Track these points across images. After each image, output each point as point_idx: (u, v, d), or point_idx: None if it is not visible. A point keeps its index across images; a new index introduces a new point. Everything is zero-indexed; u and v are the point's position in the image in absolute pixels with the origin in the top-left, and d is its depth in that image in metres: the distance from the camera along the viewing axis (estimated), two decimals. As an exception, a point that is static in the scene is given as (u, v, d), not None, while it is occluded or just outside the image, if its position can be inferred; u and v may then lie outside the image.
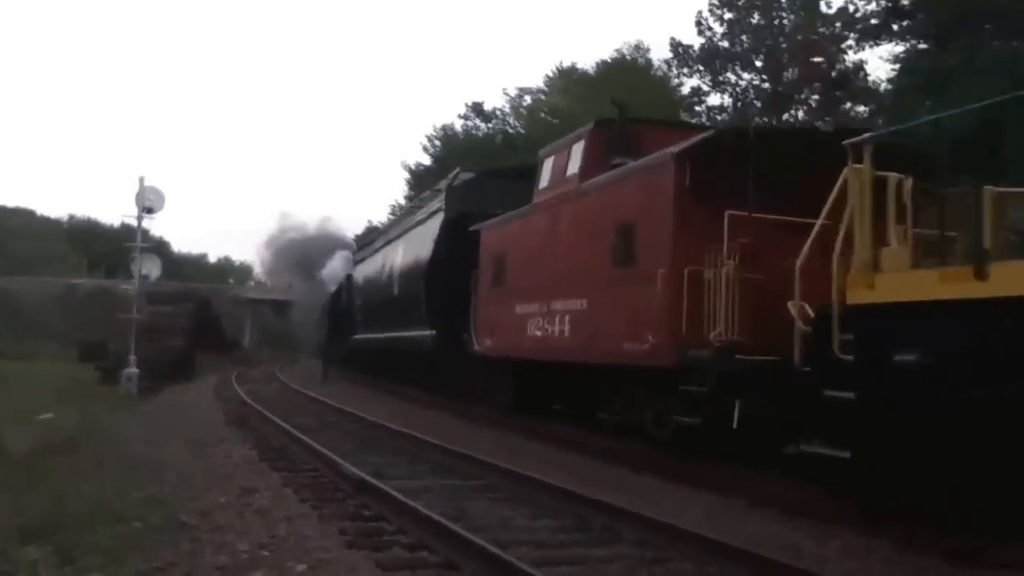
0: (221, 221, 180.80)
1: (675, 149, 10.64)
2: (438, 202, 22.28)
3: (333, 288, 42.64)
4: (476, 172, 22.86)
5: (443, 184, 24.02)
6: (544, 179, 14.74)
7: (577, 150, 13.74)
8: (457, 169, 24.50)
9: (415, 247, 23.49)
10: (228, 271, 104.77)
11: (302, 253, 65.32)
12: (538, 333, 14.16)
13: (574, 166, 13.67)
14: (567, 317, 13.24)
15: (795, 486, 8.82)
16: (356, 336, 33.54)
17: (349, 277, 37.80)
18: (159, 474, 9.83)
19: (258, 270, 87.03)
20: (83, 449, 11.73)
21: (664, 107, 28.65)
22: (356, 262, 36.04)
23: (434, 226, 21.60)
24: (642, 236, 11.19)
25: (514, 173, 19.32)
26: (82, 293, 54.19)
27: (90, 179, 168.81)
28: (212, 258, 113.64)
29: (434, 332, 20.40)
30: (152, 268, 26.36)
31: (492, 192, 18.75)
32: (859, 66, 29.44)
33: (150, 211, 24.41)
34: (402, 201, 53.06)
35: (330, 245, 65.13)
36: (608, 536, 7.25)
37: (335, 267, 45.33)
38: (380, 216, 62.76)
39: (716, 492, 9.17)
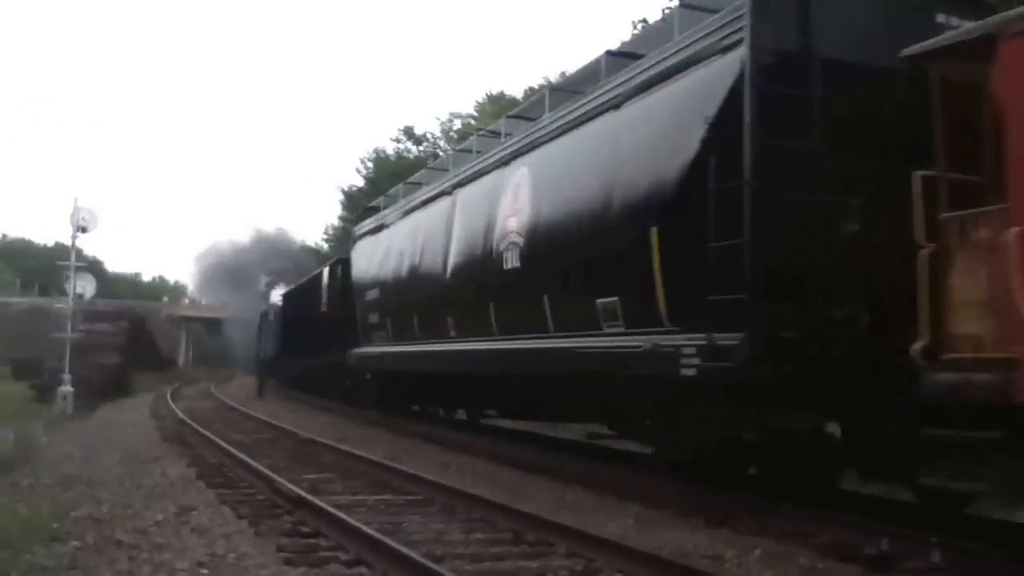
0: (155, 241, 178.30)
1: None
2: (712, 32, 9.21)
3: (282, 291, 36.09)
4: None
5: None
6: None
7: None
8: None
9: (595, 155, 11.04)
10: (162, 289, 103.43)
11: (235, 267, 63.61)
12: None
13: None
14: None
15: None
16: (366, 350, 21.21)
17: (337, 264, 26.37)
18: (96, 493, 9.83)
19: (192, 288, 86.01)
20: (18, 468, 11.64)
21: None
22: (357, 238, 23.25)
23: (698, 90, 9.22)
24: None
25: None
26: (15, 311, 53.13)
27: (23, 199, 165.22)
28: (146, 277, 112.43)
29: (721, 342, 8.35)
30: (86, 287, 26.08)
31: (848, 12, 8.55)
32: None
33: (84, 230, 24.17)
34: (336, 223, 52.60)
35: (271, 251, 62.80)
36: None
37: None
38: (314, 238, 62.12)
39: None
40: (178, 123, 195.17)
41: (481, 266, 13.89)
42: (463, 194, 15.52)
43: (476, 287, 14.13)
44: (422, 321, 16.90)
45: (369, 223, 22.68)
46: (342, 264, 25.17)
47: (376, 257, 20.66)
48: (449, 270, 15.32)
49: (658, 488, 9.87)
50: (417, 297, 17.12)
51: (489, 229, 13.68)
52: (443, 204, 16.40)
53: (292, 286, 33.29)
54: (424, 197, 17.94)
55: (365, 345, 21.17)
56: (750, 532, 8.04)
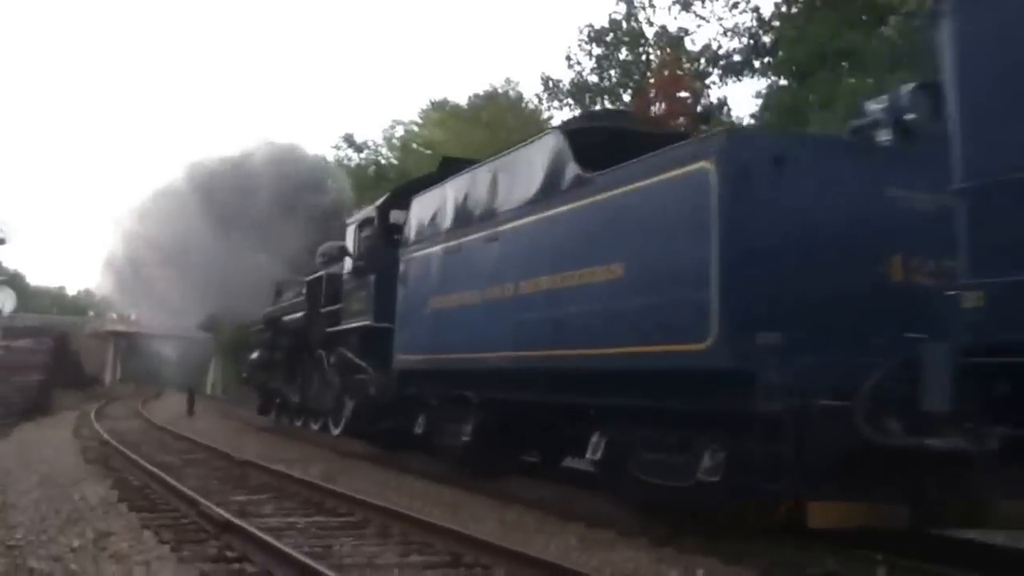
0: (81, 253, 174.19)
1: None
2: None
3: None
4: None
5: None
6: None
7: None
8: None
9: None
10: (88, 303, 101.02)
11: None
12: None
13: None
14: None
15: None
16: None
17: None
18: (8, 518, 9.31)
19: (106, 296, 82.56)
20: (-76, 493, 11.05)
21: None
22: None
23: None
24: None
25: None
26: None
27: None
28: (71, 291, 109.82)
29: None
30: (6, 301, 25.24)
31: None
32: (723, 101, 30.51)
33: (2, 242, 23.40)
34: None
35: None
36: None
37: None
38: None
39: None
40: (101, 131, 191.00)
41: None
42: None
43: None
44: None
45: None
46: None
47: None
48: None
49: (601, 508, 9.70)
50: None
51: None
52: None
53: None
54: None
55: None
56: (695, 552, 7.89)
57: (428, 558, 7.60)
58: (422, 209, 13.48)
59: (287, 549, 7.16)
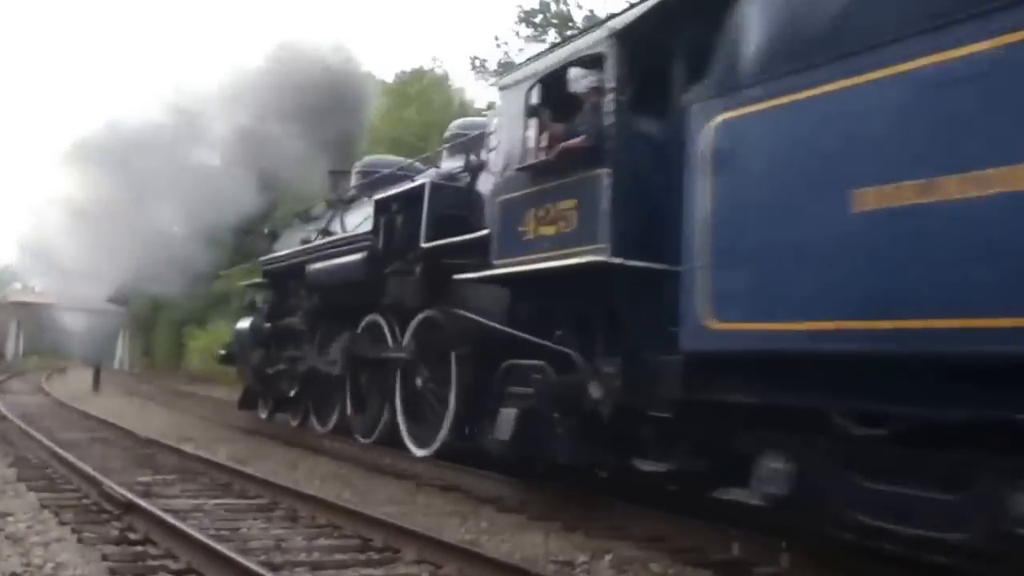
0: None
1: None
2: None
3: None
4: None
5: None
6: None
7: None
8: None
9: None
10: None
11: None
12: None
13: None
14: None
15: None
16: None
17: None
18: (-103, 498, 9.00)
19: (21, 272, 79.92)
20: None
21: (464, 114, 28.86)
22: None
23: None
24: None
25: None
26: None
27: None
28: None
29: None
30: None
31: None
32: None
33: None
34: None
35: None
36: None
37: None
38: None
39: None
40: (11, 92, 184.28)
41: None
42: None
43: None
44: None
45: None
46: None
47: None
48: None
49: (514, 492, 9.73)
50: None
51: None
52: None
53: None
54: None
55: None
56: (605, 536, 7.97)
57: (336, 542, 7.54)
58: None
59: (192, 531, 7.02)
